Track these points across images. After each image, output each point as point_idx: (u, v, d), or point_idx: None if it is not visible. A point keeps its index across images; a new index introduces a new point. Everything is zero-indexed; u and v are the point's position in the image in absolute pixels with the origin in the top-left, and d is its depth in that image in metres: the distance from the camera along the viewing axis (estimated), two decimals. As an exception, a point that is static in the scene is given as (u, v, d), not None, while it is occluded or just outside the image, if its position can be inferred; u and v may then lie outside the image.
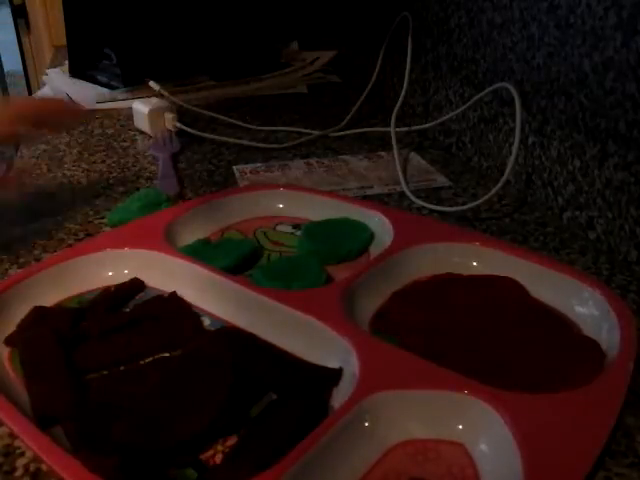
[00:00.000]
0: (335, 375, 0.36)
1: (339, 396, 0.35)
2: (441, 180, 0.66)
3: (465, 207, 0.57)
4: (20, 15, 1.43)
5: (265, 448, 0.31)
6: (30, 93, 1.48)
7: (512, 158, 0.56)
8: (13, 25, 1.46)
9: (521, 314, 0.43)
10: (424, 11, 0.76)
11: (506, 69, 0.62)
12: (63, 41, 1.02)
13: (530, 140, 0.60)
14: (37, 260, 0.50)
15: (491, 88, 0.62)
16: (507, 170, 0.55)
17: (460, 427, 0.32)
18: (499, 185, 0.55)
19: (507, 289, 0.44)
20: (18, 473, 0.32)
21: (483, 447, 0.31)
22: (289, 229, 0.55)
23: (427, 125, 0.73)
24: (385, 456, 0.32)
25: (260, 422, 0.33)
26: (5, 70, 2.29)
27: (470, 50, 0.68)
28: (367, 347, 0.36)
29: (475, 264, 0.46)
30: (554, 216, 0.58)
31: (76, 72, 0.99)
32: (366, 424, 0.32)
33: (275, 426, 0.32)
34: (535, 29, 0.58)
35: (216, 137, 0.77)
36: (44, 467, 0.32)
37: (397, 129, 0.72)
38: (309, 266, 0.47)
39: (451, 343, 0.40)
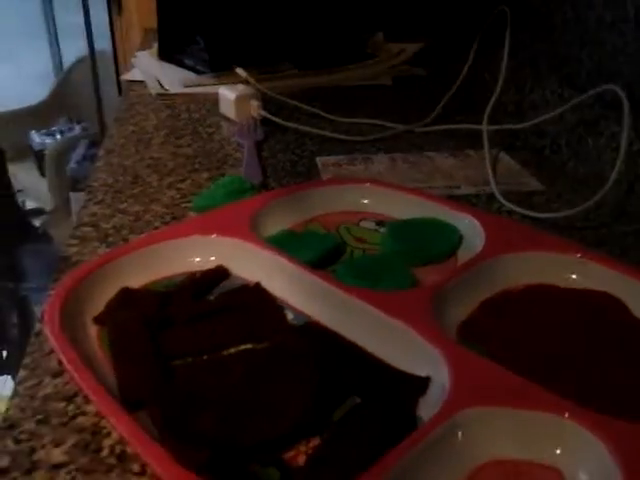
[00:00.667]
0: (423, 384, 0.34)
1: (426, 407, 0.34)
2: (533, 184, 0.63)
3: (559, 214, 0.55)
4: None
5: (349, 455, 0.30)
6: (118, 73, 1.53)
7: (618, 165, 0.52)
8: (106, 6, 1.51)
9: (621, 333, 0.40)
10: (524, 5, 0.72)
11: (614, 71, 0.58)
12: (153, 24, 1.04)
13: (635, 147, 0.56)
14: (125, 241, 0.51)
15: (597, 90, 0.59)
16: (611, 178, 0.52)
17: (558, 452, 0.30)
18: (601, 193, 0.52)
19: (607, 306, 0.42)
20: (104, 453, 0.32)
21: (583, 477, 0.29)
22: (373, 226, 0.53)
23: (521, 125, 0.70)
24: (475, 475, 0.30)
25: (344, 426, 0.32)
26: (96, 49, 2.37)
27: (574, 48, 0.64)
28: (459, 358, 0.34)
29: (574, 277, 0.43)
30: (657, 230, 0.54)
31: (165, 55, 1.01)
32: (457, 440, 0.30)
33: (360, 432, 0.31)
34: (651, 29, 0.54)
35: (299, 127, 0.76)
36: (129, 450, 0.32)
37: (489, 127, 0.69)
38: (395, 266, 0.46)
39: (543, 360, 0.37)
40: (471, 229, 0.49)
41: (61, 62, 3.12)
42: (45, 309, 0.39)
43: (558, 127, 0.68)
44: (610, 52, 0.59)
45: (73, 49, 2.75)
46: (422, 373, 0.35)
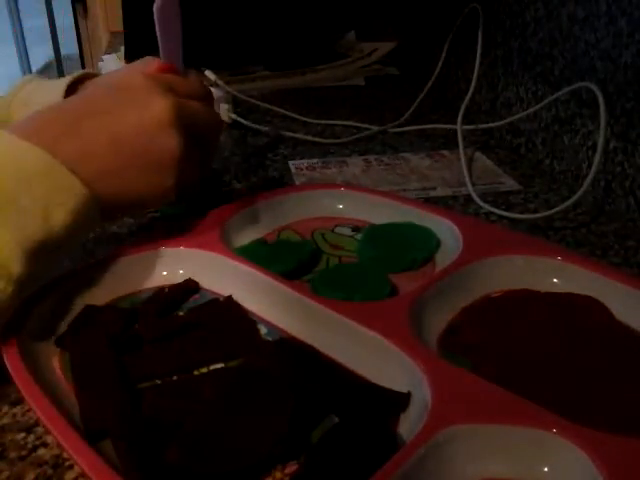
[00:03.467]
0: (403, 400, 0.33)
1: (407, 424, 0.32)
2: (510, 183, 0.62)
3: (538, 215, 0.54)
4: (78, 0, 1.44)
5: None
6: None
7: (595, 164, 0.51)
8: (71, 9, 1.47)
9: (605, 339, 0.39)
10: (495, 3, 0.71)
11: (587, 67, 0.58)
12: (119, 27, 1.01)
13: (612, 145, 0.55)
14: (90, 254, 0.49)
15: (572, 87, 0.58)
16: (589, 177, 0.51)
17: (545, 469, 0.29)
18: (579, 193, 0.51)
19: (590, 310, 0.41)
20: (66, 488, 0.30)
21: (572, 495, 0.28)
22: (348, 232, 0.52)
23: (496, 124, 0.69)
24: (460, 496, 0.29)
25: (322, 449, 0.30)
26: (62, 54, 2.33)
27: (546, 46, 0.63)
28: (440, 372, 0.32)
29: (555, 281, 0.42)
30: (636, 228, 0.53)
31: (132, 58, 0.98)
32: (441, 459, 0.29)
33: (339, 456, 0.29)
34: (624, 24, 0.53)
35: (272, 130, 0.75)
36: (93, 484, 0.30)
37: (463, 127, 0.68)
38: (372, 275, 0.44)
39: (528, 370, 0.36)
40: (449, 233, 0.47)
41: (29, 66, 3.06)
42: (2, 331, 0.36)
43: (533, 125, 0.67)
44: (583, 48, 0.58)
45: (42, 53, 2.70)
46: (402, 389, 0.33)
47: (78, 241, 0.40)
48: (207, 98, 0.47)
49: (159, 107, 0.40)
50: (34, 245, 0.34)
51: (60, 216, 0.35)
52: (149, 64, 0.47)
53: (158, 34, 0.49)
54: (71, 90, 0.53)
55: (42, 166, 0.36)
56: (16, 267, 0.34)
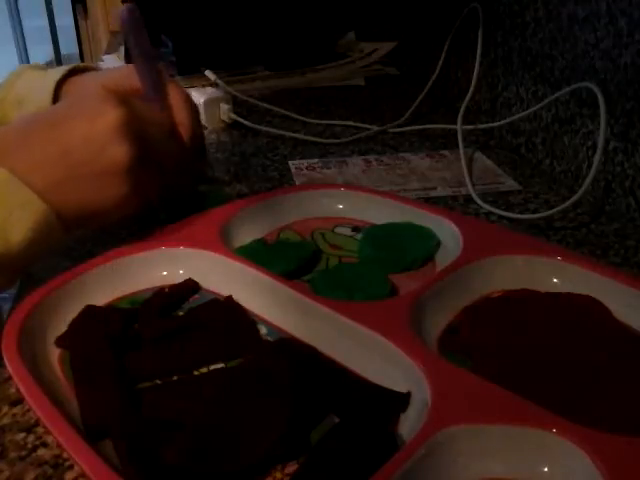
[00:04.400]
0: (403, 400, 0.33)
1: (407, 424, 0.32)
2: (510, 183, 0.62)
3: (538, 215, 0.54)
4: (79, 0, 1.44)
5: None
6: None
7: (595, 164, 0.51)
8: (72, 10, 1.47)
9: (605, 339, 0.39)
10: (495, 3, 0.71)
11: (587, 67, 0.58)
12: (119, 27, 1.01)
13: (612, 145, 0.55)
14: (89, 254, 0.49)
15: (572, 87, 0.58)
16: (589, 177, 0.51)
17: (545, 469, 0.29)
18: (579, 193, 0.51)
19: (589, 310, 0.41)
20: (66, 488, 0.30)
21: (572, 495, 0.28)
22: (348, 232, 0.52)
23: (496, 124, 0.69)
24: (460, 496, 0.29)
25: (322, 449, 0.30)
26: (62, 54, 2.32)
27: (546, 46, 0.63)
28: (440, 372, 0.32)
29: (555, 281, 0.42)
30: (636, 228, 0.53)
31: (131, 59, 0.98)
32: (441, 459, 0.29)
33: (339, 455, 0.29)
34: (624, 24, 0.53)
35: (271, 130, 0.75)
36: (93, 484, 0.30)
37: (463, 127, 0.68)
38: (372, 275, 0.44)
39: (529, 369, 0.36)
40: (449, 233, 0.47)
41: (29, 66, 3.06)
42: (3, 332, 0.36)
43: (533, 125, 0.67)
44: (583, 48, 0.58)
45: (42, 53, 2.70)
46: (402, 389, 0.33)
47: (39, 256, 0.40)
48: (165, 126, 0.47)
49: (109, 116, 0.40)
50: None
51: (19, 232, 0.36)
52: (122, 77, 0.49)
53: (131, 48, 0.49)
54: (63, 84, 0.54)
55: None
56: None
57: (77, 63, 0.60)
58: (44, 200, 0.37)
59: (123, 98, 0.42)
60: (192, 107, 0.53)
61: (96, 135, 0.39)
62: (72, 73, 0.56)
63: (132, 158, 0.40)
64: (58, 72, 0.55)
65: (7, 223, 0.35)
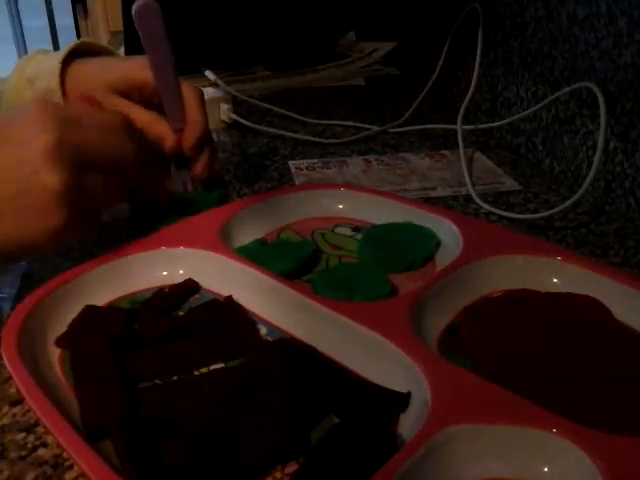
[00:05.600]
0: (403, 400, 0.33)
1: (407, 424, 0.32)
2: (510, 183, 0.62)
3: (538, 215, 0.54)
4: (79, 0, 1.44)
5: (329, 480, 0.28)
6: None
7: (595, 164, 0.51)
8: (72, 10, 1.47)
9: (605, 339, 0.39)
10: (495, 3, 0.71)
11: (587, 67, 0.58)
12: (119, 27, 1.01)
13: (612, 145, 0.55)
14: (90, 254, 0.49)
15: (571, 87, 0.58)
16: (589, 177, 0.51)
17: (545, 469, 0.29)
18: (579, 193, 0.51)
19: (590, 310, 0.41)
20: (66, 488, 0.30)
21: (572, 495, 0.28)
22: (348, 232, 0.52)
23: (496, 124, 0.69)
24: (460, 496, 0.29)
25: (322, 450, 0.30)
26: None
27: (546, 45, 0.63)
28: (440, 372, 0.32)
29: (555, 281, 0.42)
30: (636, 228, 0.53)
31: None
32: (441, 459, 0.29)
33: (339, 455, 0.29)
34: (624, 24, 0.53)
35: (272, 130, 0.75)
36: (93, 484, 0.30)
37: (463, 127, 0.68)
38: (372, 275, 0.44)
39: (529, 369, 0.36)
40: (449, 233, 0.47)
41: (29, 67, 3.06)
42: (3, 332, 0.36)
43: (533, 125, 0.67)
44: (583, 48, 0.58)
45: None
46: (402, 388, 0.33)
47: None
48: (116, 128, 0.41)
49: (39, 142, 0.36)
50: None
51: None
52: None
53: (143, 43, 0.46)
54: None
55: None
56: None
57: (82, 39, 0.60)
58: None
59: (60, 118, 0.37)
60: (204, 105, 0.53)
61: (26, 163, 0.36)
62: (77, 53, 0.55)
63: (67, 187, 0.36)
64: (63, 51, 0.55)
65: None
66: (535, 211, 0.56)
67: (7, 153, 0.36)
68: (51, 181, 0.36)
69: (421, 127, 0.75)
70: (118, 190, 0.42)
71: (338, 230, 0.52)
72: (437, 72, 0.79)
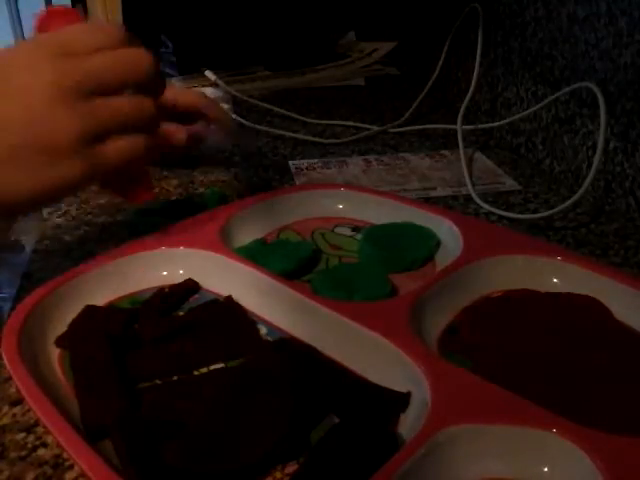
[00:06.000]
0: (403, 400, 0.33)
1: (407, 423, 0.32)
2: (510, 183, 0.62)
3: (538, 215, 0.54)
4: (79, 0, 1.44)
5: (329, 480, 0.28)
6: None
7: (595, 164, 0.51)
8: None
9: (605, 339, 0.39)
10: (495, 3, 0.71)
11: (587, 67, 0.58)
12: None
13: (612, 145, 0.55)
14: (90, 255, 0.49)
15: (571, 87, 0.58)
16: (589, 177, 0.51)
17: (545, 469, 0.29)
18: (579, 193, 0.51)
19: (589, 310, 0.41)
20: (66, 488, 0.30)
21: (572, 495, 0.28)
22: (348, 232, 0.52)
23: (496, 124, 0.69)
24: (460, 496, 0.29)
25: (322, 450, 0.30)
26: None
27: (546, 46, 0.63)
28: (440, 372, 0.32)
29: (555, 281, 0.42)
30: (636, 228, 0.53)
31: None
32: (441, 459, 0.29)
33: (339, 455, 0.29)
34: (624, 24, 0.53)
35: (271, 130, 0.75)
36: (93, 484, 0.30)
37: (463, 127, 0.68)
38: (372, 275, 0.44)
39: (529, 369, 0.36)
40: (449, 233, 0.47)
41: (28, 67, 3.06)
42: (3, 332, 0.36)
43: (533, 125, 0.67)
44: (583, 48, 0.58)
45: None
46: (402, 389, 0.33)
47: None
48: (125, 40, 0.36)
49: (44, 82, 0.33)
50: None
51: None
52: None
53: None
54: None
55: None
56: None
57: None
58: None
59: (57, 48, 0.34)
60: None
61: (33, 108, 0.33)
62: None
63: (83, 128, 0.33)
64: None
65: None
66: (535, 211, 0.56)
67: (10, 101, 0.33)
68: (63, 124, 0.33)
69: (421, 127, 0.75)
70: (145, 112, 0.37)
71: (338, 230, 0.52)
72: (437, 72, 0.79)
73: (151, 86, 0.37)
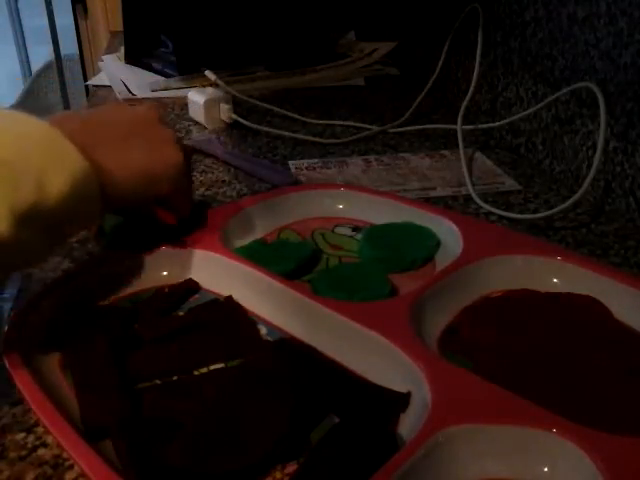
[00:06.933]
0: (403, 400, 0.33)
1: (407, 423, 0.32)
2: (510, 183, 0.62)
3: (538, 215, 0.54)
4: (78, 0, 1.44)
5: (329, 480, 0.28)
6: (85, 78, 1.49)
7: (595, 164, 0.51)
8: (71, 10, 1.47)
9: (605, 339, 0.39)
10: (495, 3, 0.71)
11: (587, 67, 0.58)
12: (119, 27, 1.01)
13: (611, 145, 0.55)
14: (90, 254, 0.49)
15: (572, 87, 0.58)
16: (589, 177, 0.51)
17: (545, 469, 0.29)
18: (580, 193, 0.51)
19: (589, 310, 0.41)
20: (66, 488, 0.30)
21: (572, 495, 0.28)
22: (348, 232, 0.52)
23: (496, 124, 0.69)
24: (460, 497, 0.29)
25: (322, 450, 0.30)
26: (62, 54, 2.32)
27: (546, 46, 0.63)
28: (440, 372, 0.32)
29: (555, 281, 0.42)
30: (635, 228, 0.53)
31: (131, 59, 0.98)
32: (441, 459, 0.29)
33: (339, 455, 0.29)
34: (624, 24, 0.53)
35: (272, 130, 0.75)
36: (93, 484, 0.30)
37: (463, 127, 0.68)
38: (372, 275, 0.44)
39: (529, 370, 0.36)
40: (449, 233, 0.47)
41: (29, 66, 3.06)
42: (4, 333, 0.36)
43: (533, 125, 0.67)
44: (583, 48, 0.58)
45: (42, 53, 2.70)
46: (402, 389, 0.33)
47: (76, 217, 0.37)
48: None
49: (164, 131, 0.44)
50: (24, 208, 0.33)
51: (56, 184, 0.34)
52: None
53: None
54: None
55: (41, 135, 0.35)
56: (1, 226, 0.32)
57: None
58: (85, 157, 0.36)
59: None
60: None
61: (157, 140, 0.43)
62: None
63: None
64: None
65: (44, 174, 0.34)
66: (535, 211, 0.56)
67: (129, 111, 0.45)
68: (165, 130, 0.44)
69: (421, 127, 0.75)
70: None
71: (338, 230, 0.52)
72: (437, 72, 0.79)
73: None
